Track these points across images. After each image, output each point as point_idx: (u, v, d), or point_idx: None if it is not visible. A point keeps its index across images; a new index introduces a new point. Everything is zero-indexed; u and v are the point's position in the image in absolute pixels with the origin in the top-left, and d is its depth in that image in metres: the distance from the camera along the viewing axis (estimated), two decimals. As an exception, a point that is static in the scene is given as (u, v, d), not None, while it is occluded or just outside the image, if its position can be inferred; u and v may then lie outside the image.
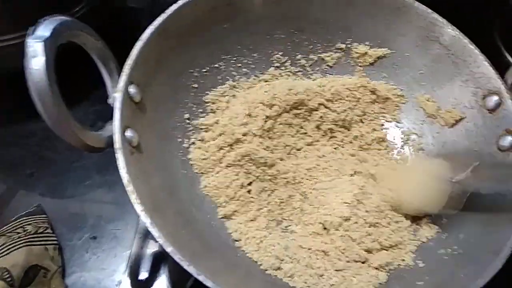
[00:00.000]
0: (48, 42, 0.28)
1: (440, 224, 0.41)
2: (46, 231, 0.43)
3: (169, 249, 0.30)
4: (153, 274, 0.41)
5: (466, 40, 0.42)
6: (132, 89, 0.36)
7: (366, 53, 0.48)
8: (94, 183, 0.48)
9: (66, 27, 0.30)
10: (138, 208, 0.31)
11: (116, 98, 0.34)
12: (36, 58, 0.28)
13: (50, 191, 0.48)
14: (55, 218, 0.45)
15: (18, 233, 0.41)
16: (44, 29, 0.29)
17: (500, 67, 0.42)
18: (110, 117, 0.34)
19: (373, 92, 0.48)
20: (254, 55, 0.48)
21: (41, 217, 0.44)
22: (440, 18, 0.44)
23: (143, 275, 0.41)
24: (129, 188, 0.31)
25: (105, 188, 0.48)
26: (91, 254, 0.44)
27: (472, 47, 0.42)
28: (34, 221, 0.43)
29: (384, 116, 0.48)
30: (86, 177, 0.49)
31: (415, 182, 0.41)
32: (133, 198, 0.31)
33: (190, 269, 0.29)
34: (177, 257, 0.30)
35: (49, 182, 0.48)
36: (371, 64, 0.48)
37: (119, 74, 0.36)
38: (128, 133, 0.34)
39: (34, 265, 0.40)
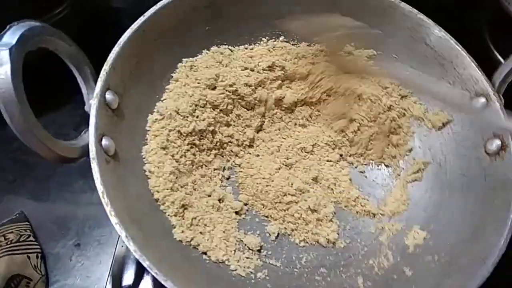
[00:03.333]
0: (14, 50, 0.27)
1: (429, 230, 0.40)
2: (28, 239, 0.42)
3: (145, 263, 0.29)
4: (138, 278, 0.41)
5: (452, 41, 0.42)
6: (109, 96, 0.35)
7: (351, 53, 0.47)
8: (78, 188, 0.47)
9: (34, 33, 0.29)
10: (113, 220, 0.30)
11: (91, 105, 0.33)
12: (1, 67, 0.27)
13: (33, 198, 0.46)
14: (38, 225, 0.44)
15: (-1, 241, 0.40)
16: (11, 36, 0.28)
17: (490, 66, 0.42)
18: (87, 124, 0.33)
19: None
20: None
21: (23, 225, 0.43)
22: (426, 19, 0.43)
23: (128, 279, 0.40)
24: (104, 199, 0.30)
25: (90, 193, 0.47)
26: (75, 262, 0.43)
27: (458, 48, 0.41)
28: (16, 229, 0.42)
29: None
30: (70, 182, 0.47)
31: None
32: (108, 210, 0.30)
33: (168, 284, 0.29)
34: (153, 271, 0.29)
35: (32, 188, 0.47)
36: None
37: (95, 80, 0.35)
38: (105, 142, 0.33)
39: (16, 275, 0.39)
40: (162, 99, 0.41)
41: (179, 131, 0.40)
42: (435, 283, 0.35)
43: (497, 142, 0.38)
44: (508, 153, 0.37)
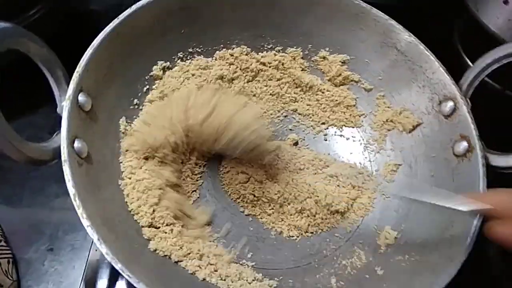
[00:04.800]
0: (-16, 52, 0.27)
1: (400, 230, 0.41)
2: (-1, 244, 0.41)
3: (117, 266, 0.29)
4: (112, 283, 0.40)
5: (422, 46, 0.43)
6: (81, 98, 0.35)
7: (325, 58, 0.48)
8: (51, 193, 0.46)
9: (5, 34, 0.29)
10: (85, 223, 0.30)
11: (63, 107, 0.33)
12: (-31, 69, 0.27)
13: (5, 202, 0.46)
14: (10, 230, 0.43)
15: (-31, 247, 0.39)
16: (-20, 37, 0.28)
17: (460, 71, 0.43)
18: (58, 127, 0.33)
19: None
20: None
21: (-5, 230, 0.43)
22: (396, 25, 0.44)
23: (102, 284, 0.40)
24: (76, 202, 0.30)
25: (63, 197, 0.46)
26: (48, 267, 0.42)
27: (428, 53, 0.43)
28: (-13, 234, 0.42)
29: (345, 122, 0.48)
30: (44, 187, 0.47)
31: None
32: (80, 212, 0.30)
33: (140, 286, 0.29)
34: (125, 274, 0.29)
35: (4, 193, 0.46)
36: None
37: (68, 82, 0.35)
38: (77, 144, 0.33)
39: (-14, 281, 0.38)
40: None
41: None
42: (405, 281, 0.35)
43: (464, 144, 0.39)
44: (474, 154, 0.38)
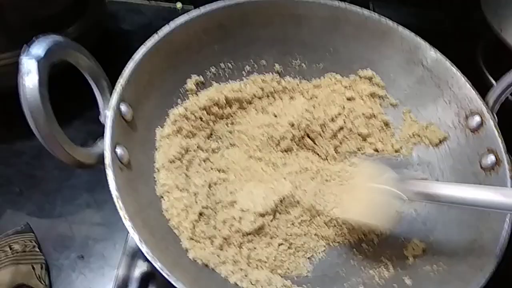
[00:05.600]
0: (42, 61, 0.29)
1: (428, 242, 0.41)
2: (33, 250, 0.43)
3: (157, 264, 0.30)
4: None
5: (448, 63, 0.44)
6: (123, 108, 0.37)
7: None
8: (83, 202, 0.48)
9: (60, 46, 0.31)
10: (127, 224, 0.31)
11: (107, 116, 0.35)
12: (30, 76, 0.29)
13: (38, 210, 0.47)
14: (43, 237, 0.45)
15: (5, 251, 0.41)
16: (39, 48, 0.30)
17: (482, 88, 0.44)
18: (101, 134, 0.35)
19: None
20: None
21: (29, 236, 0.44)
22: (423, 42, 0.45)
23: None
24: (118, 204, 0.31)
25: (94, 207, 0.48)
26: (79, 274, 0.43)
27: (453, 69, 0.44)
28: (22, 240, 0.43)
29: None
30: (75, 196, 0.48)
31: (364, 197, 0.41)
32: (122, 214, 0.31)
33: (178, 285, 0.30)
34: (164, 272, 0.30)
35: (38, 201, 0.48)
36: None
37: (110, 93, 0.37)
38: (119, 150, 0.35)
39: (21, 284, 0.39)
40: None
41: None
42: (434, 291, 0.36)
43: (492, 157, 0.40)
44: (502, 167, 0.39)
